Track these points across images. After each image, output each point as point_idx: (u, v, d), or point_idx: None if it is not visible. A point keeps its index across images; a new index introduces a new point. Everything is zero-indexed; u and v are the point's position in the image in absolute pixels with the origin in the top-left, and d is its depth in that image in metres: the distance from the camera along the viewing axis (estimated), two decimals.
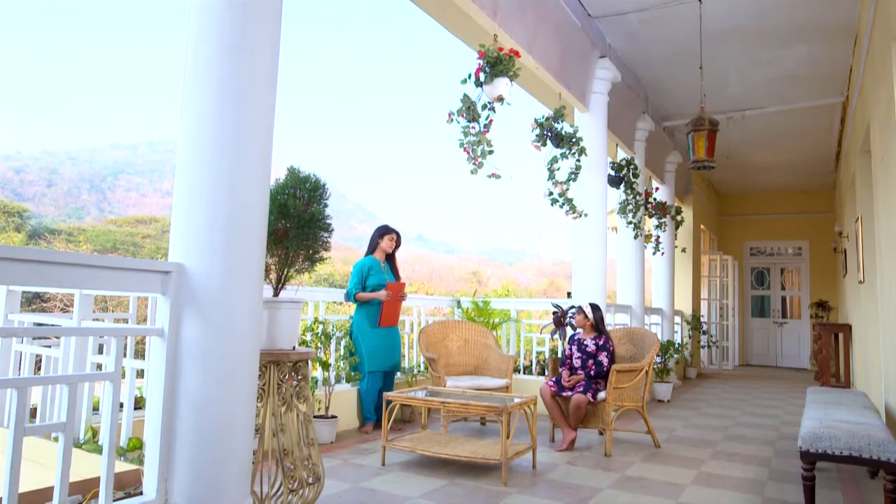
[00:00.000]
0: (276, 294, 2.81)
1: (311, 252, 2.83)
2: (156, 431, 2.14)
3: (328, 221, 2.91)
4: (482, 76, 4.37)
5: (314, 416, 4.63)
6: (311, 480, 2.69)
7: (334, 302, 5.98)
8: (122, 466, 2.34)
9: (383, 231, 5.38)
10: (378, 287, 5.17)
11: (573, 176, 5.37)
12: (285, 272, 2.82)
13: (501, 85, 4.35)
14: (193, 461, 2.16)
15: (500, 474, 3.73)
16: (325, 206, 2.93)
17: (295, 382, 2.71)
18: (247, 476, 2.33)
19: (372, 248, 5.37)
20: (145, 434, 2.18)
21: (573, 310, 5.19)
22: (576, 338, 4.98)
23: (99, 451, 2.55)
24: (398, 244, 5.39)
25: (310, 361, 2.94)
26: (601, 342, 4.81)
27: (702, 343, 11.52)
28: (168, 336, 2.17)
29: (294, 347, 2.74)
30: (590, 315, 4.90)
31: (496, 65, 4.27)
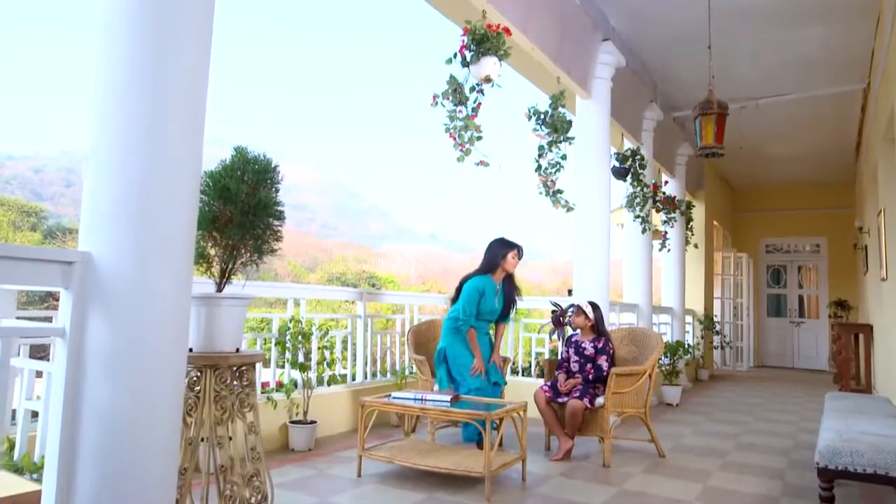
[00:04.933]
0: (219, 289, 2.50)
1: (259, 242, 2.51)
2: (55, 447, 1.84)
3: (280, 208, 2.60)
4: (468, 55, 4.04)
5: (291, 422, 4.35)
6: (255, 501, 2.37)
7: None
8: (25, 486, 2.04)
9: (506, 245, 4.41)
10: (489, 314, 4.41)
11: (559, 165, 5.00)
12: (230, 265, 2.51)
13: (489, 64, 4.01)
14: (100, 481, 1.85)
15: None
16: (277, 190, 2.61)
17: (238, 389, 2.40)
18: (169, 498, 2.01)
19: (491, 265, 4.40)
20: (46, 450, 1.88)
21: (572, 308, 4.83)
22: (573, 339, 4.63)
23: (13, 468, 2.26)
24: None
25: (258, 365, 2.61)
26: (600, 345, 4.45)
27: (714, 343, 11.09)
28: (70, 336, 1.86)
29: (238, 350, 2.43)
30: (590, 315, 4.53)
31: (482, 42, 3.93)
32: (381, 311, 6.09)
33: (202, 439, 2.28)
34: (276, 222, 2.59)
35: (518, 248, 4.46)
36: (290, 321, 4.47)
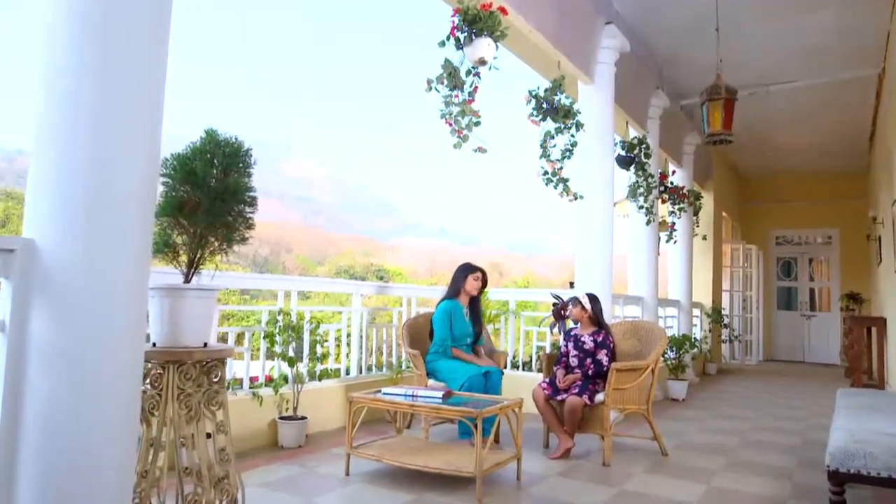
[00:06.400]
0: (187, 280, 2.35)
1: (228, 230, 2.36)
2: None
3: (252, 194, 2.44)
4: (461, 37, 3.86)
5: (280, 418, 4.21)
6: None
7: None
8: None
9: (468, 269, 4.62)
10: (462, 338, 4.48)
11: (568, 153, 4.82)
12: (199, 254, 2.36)
13: (483, 46, 3.83)
14: (44, 489, 1.71)
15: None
16: (249, 175, 2.45)
17: (206, 387, 2.25)
18: (125, 502, 1.87)
19: (454, 290, 4.60)
20: None
21: (572, 301, 4.65)
22: (572, 333, 4.45)
23: None
24: (485, 284, 4.69)
25: (230, 360, 2.46)
26: (600, 338, 4.28)
27: (723, 337, 10.87)
28: (9, 330, 1.72)
29: (206, 344, 2.28)
30: (588, 307, 4.37)
31: (475, 22, 3.75)
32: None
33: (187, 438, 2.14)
34: (248, 209, 2.43)
35: (479, 271, 4.65)
36: (279, 314, 4.32)
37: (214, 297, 2.33)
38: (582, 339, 4.35)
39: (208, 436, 2.27)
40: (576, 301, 4.42)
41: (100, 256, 1.80)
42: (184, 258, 2.36)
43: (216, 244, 2.37)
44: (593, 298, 4.42)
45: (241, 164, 2.43)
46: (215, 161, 2.38)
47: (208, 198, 2.30)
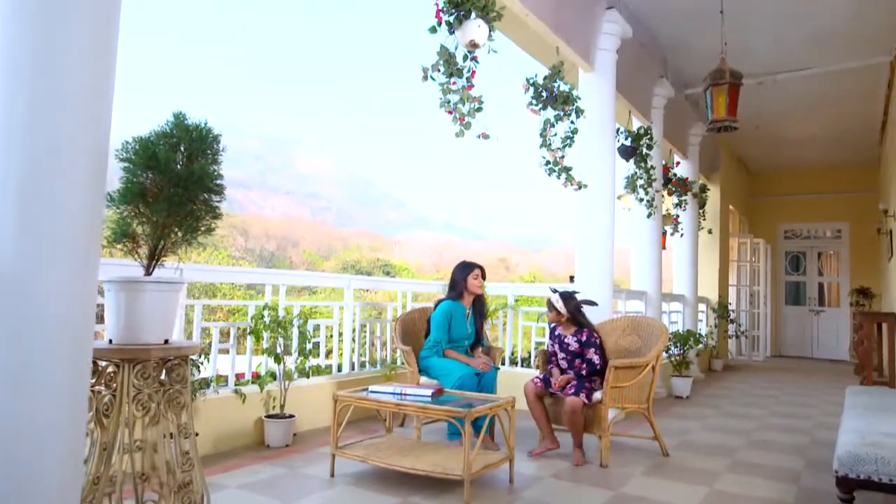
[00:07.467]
0: (148, 272, 2.20)
1: (193, 219, 2.21)
2: None
3: (219, 182, 2.29)
4: (450, 20, 3.69)
5: (266, 416, 4.08)
6: None
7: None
8: None
9: (465, 268, 4.38)
10: (460, 340, 4.29)
11: (569, 141, 4.65)
12: (160, 245, 2.21)
13: (473, 28, 3.66)
14: None
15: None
16: (217, 162, 2.30)
17: (167, 386, 2.11)
18: None
19: (456, 291, 4.35)
20: None
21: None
22: (556, 333, 4.25)
23: None
24: (483, 279, 4.45)
25: (192, 358, 2.31)
26: (584, 338, 4.07)
27: (729, 333, 10.67)
28: None
29: (166, 341, 2.13)
30: (562, 309, 4.10)
31: (462, 4, 3.58)
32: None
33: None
34: (215, 198, 2.28)
35: (478, 269, 4.41)
36: (265, 309, 4.18)
37: (178, 291, 2.18)
38: (566, 340, 4.15)
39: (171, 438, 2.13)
40: (549, 305, 4.15)
41: (36, 247, 1.65)
42: (145, 249, 2.21)
43: (180, 234, 2.22)
44: (567, 297, 4.14)
45: (208, 151, 2.28)
46: (181, 146, 2.23)
47: (171, 185, 2.15)
